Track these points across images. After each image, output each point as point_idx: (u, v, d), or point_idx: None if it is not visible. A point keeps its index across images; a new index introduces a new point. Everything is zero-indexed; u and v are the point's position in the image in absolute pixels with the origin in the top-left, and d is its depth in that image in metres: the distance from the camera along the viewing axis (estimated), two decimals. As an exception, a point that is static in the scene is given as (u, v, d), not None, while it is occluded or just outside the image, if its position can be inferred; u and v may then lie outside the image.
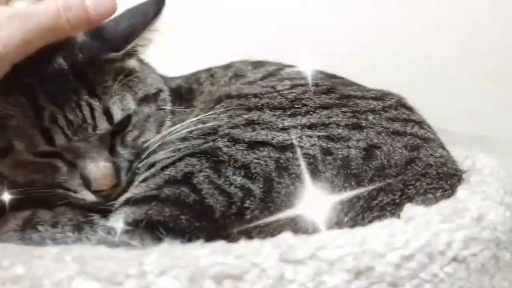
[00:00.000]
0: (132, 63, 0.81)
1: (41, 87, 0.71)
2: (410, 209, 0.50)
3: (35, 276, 0.43)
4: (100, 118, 0.74)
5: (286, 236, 0.44)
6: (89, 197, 0.75)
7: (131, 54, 0.81)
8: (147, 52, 0.86)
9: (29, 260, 0.45)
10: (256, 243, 0.45)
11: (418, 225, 0.47)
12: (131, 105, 0.78)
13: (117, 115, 0.76)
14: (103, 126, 0.74)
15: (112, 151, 0.77)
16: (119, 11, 0.80)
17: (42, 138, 0.72)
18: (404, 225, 0.47)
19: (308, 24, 1.45)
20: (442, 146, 0.77)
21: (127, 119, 0.78)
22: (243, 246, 0.45)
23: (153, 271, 0.42)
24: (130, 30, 0.79)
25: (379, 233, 0.45)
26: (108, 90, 0.75)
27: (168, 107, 0.86)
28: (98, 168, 0.74)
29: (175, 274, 0.42)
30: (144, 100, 0.81)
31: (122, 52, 0.78)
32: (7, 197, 0.76)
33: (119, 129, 0.78)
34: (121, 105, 0.76)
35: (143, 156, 0.80)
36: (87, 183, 0.74)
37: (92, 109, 0.73)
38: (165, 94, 0.87)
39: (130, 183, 0.77)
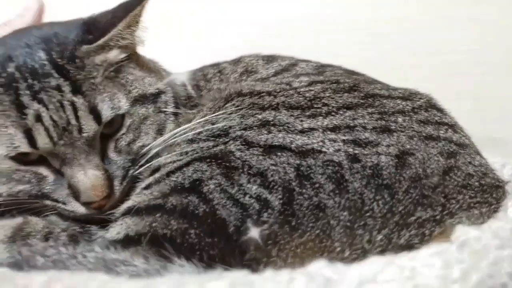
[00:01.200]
0: (118, 55, 0.73)
1: (24, 82, 0.65)
2: (462, 232, 0.42)
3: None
4: (85, 118, 0.66)
5: (321, 266, 0.37)
6: (79, 209, 0.68)
7: (115, 46, 0.73)
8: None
9: (12, 290, 0.38)
10: (284, 274, 0.37)
11: (474, 251, 0.39)
12: (123, 104, 0.70)
13: (106, 113, 0.68)
14: (90, 127, 0.66)
15: (104, 157, 0.70)
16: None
17: (24, 139, 0.64)
18: (458, 252, 0.39)
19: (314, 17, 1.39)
20: (478, 152, 0.70)
21: (120, 121, 0.71)
22: (269, 278, 0.37)
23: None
24: (111, 21, 0.72)
25: (431, 263, 0.38)
26: (95, 86, 0.68)
27: (170, 109, 0.78)
28: (87, 177, 0.66)
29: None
30: (140, 100, 0.74)
31: (98, 43, 0.70)
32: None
33: (111, 132, 0.70)
34: (111, 103, 0.69)
35: (143, 160, 0.72)
36: (75, 194, 0.67)
37: (75, 108, 0.66)
38: (168, 96, 0.79)
39: (126, 192, 0.70)
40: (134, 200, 0.66)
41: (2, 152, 0.66)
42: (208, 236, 0.57)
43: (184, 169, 0.65)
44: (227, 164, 0.63)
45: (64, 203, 0.68)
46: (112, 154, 0.71)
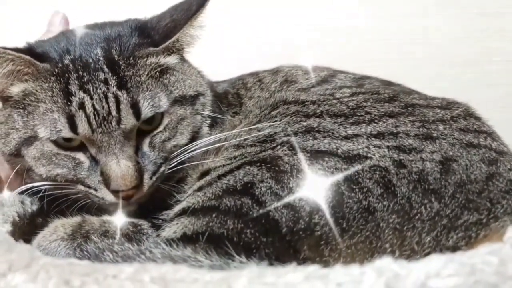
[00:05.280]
0: (170, 60, 0.78)
1: (75, 73, 0.71)
2: (513, 233, 0.45)
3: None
4: (126, 112, 0.70)
5: (388, 262, 0.40)
6: (108, 196, 0.72)
7: (172, 51, 0.78)
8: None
9: (103, 279, 0.42)
10: (355, 268, 0.40)
11: (527, 251, 0.42)
12: (163, 103, 0.74)
13: (146, 110, 0.72)
14: (129, 120, 0.71)
15: (138, 151, 0.73)
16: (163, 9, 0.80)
17: (67, 124, 0.69)
18: (512, 251, 0.43)
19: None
20: (517, 159, 0.72)
21: (159, 119, 0.75)
22: (341, 271, 0.40)
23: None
24: (171, 25, 0.77)
25: (489, 260, 0.41)
26: (139, 84, 0.72)
27: (207, 112, 0.82)
28: (118, 166, 0.70)
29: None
30: (179, 101, 0.78)
31: (161, 47, 0.76)
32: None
33: (149, 128, 0.74)
34: (152, 101, 0.73)
35: (178, 159, 0.76)
36: (106, 182, 0.71)
37: (118, 102, 0.70)
38: (206, 99, 0.83)
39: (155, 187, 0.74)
40: (188, 201, 0.69)
41: (45, 135, 0.71)
42: (263, 236, 0.60)
43: (235, 172, 0.68)
44: (276, 168, 0.66)
45: (95, 189, 0.72)
46: (146, 149, 0.74)
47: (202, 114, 0.82)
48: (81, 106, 0.70)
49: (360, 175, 0.63)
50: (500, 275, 0.40)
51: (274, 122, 0.75)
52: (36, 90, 0.72)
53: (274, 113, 0.78)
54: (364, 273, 0.39)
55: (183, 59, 0.82)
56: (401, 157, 0.65)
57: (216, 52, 1.24)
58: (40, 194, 0.78)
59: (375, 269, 0.39)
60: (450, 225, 0.59)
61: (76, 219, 0.74)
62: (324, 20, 1.42)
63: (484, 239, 0.58)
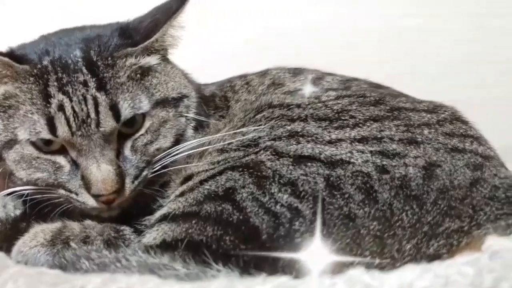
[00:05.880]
0: (151, 61, 0.77)
1: (54, 74, 0.71)
2: (493, 242, 0.44)
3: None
4: (105, 114, 0.70)
5: (360, 273, 0.39)
6: (89, 201, 0.71)
7: (151, 51, 0.77)
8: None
9: (70, 290, 0.41)
10: (325, 279, 0.39)
11: (506, 262, 0.41)
12: (144, 105, 0.73)
13: (125, 112, 0.71)
14: (108, 123, 0.70)
15: (120, 155, 0.73)
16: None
17: (46, 126, 0.69)
18: (490, 261, 0.42)
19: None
20: (503, 164, 0.71)
21: (140, 122, 0.74)
22: (311, 282, 0.39)
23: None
24: (151, 26, 0.76)
25: (464, 271, 0.40)
26: (119, 86, 0.72)
27: (191, 114, 0.81)
28: (99, 170, 0.69)
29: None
30: (161, 103, 0.77)
31: (140, 47, 0.75)
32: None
33: (131, 131, 0.74)
34: (132, 102, 0.72)
35: (160, 163, 0.75)
36: (87, 186, 0.70)
37: (96, 104, 0.70)
38: (191, 101, 0.82)
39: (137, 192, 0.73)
40: (169, 207, 0.68)
41: (25, 136, 0.70)
42: (242, 243, 0.59)
43: (217, 177, 0.67)
44: (259, 174, 0.65)
45: (76, 194, 0.72)
46: (128, 153, 0.73)
47: (187, 116, 0.81)
48: (60, 108, 0.69)
49: (342, 181, 0.62)
50: (475, 287, 0.39)
51: (258, 126, 0.75)
52: (16, 93, 0.71)
53: (258, 116, 0.77)
54: (335, 284, 0.38)
55: (166, 60, 0.82)
56: (384, 162, 0.64)
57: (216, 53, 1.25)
58: (23, 199, 0.77)
59: (346, 281, 0.38)
60: (431, 233, 0.58)
61: (57, 224, 0.73)
62: (319, 20, 1.42)
63: (466, 246, 0.57)
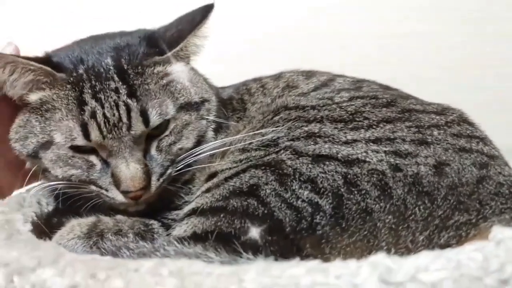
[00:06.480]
0: (175, 68, 0.82)
1: (88, 82, 0.75)
2: (498, 231, 0.50)
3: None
4: (136, 119, 0.75)
5: (382, 257, 0.44)
6: (118, 197, 0.77)
7: (176, 59, 0.82)
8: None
9: (125, 273, 0.46)
10: (352, 263, 0.45)
11: (509, 248, 0.47)
12: (170, 110, 0.79)
13: (154, 118, 0.76)
14: (138, 127, 0.75)
15: (146, 154, 0.78)
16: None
17: (81, 132, 0.74)
18: (495, 248, 0.47)
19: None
20: (507, 163, 0.76)
21: (165, 124, 0.79)
22: (339, 265, 0.45)
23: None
24: (176, 35, 0.82)
25: (473, 256, 0.45)
26: (148, 92, 0.77)
27: (212, 117, 0.87)
28: (128, 168, 0.75)
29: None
30: (185, 107, 0.82)
31: (167, 55, 0.80)
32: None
33: (156, 133, 0.79)
34: (160, 109, 0.77)
35: (184, 162, 0.80)
36: (116, 183, 0.76)
37: (128, 109, 0.75)
38: (211, 105, 0.87)
39: (162, 188, 0.78)
40: (197, 202, 0.74)
41: (61, 141, 0.76)
42: (268, 235, 0.65)
43: (241, 175, 0.72)
44: (280, 172, 0.70)
45: (106, 190, 0.77)
46: (154, 152, 0.79)
47: (207, 119, 0.86)
48: (93, 115, 0.74)
49: (359, 178, 0.67)
50: (484, 269, 0.44)
51: (277, 127, 0.80)
52: (53, 98, 0.77)
53: (276, 118, 0.82)
54: (360, 267, 0.44)
55: (190, 67, 0.87)
56: (397, 161, 0.69)
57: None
58: (56, 192, 0.83)
59: (370, 264, 0.44)
60: (442, 225, 0.63)
61: (91, 219, 0.78)
62: (321, 25, 1.46)
63: (473, 237, 0.62)
